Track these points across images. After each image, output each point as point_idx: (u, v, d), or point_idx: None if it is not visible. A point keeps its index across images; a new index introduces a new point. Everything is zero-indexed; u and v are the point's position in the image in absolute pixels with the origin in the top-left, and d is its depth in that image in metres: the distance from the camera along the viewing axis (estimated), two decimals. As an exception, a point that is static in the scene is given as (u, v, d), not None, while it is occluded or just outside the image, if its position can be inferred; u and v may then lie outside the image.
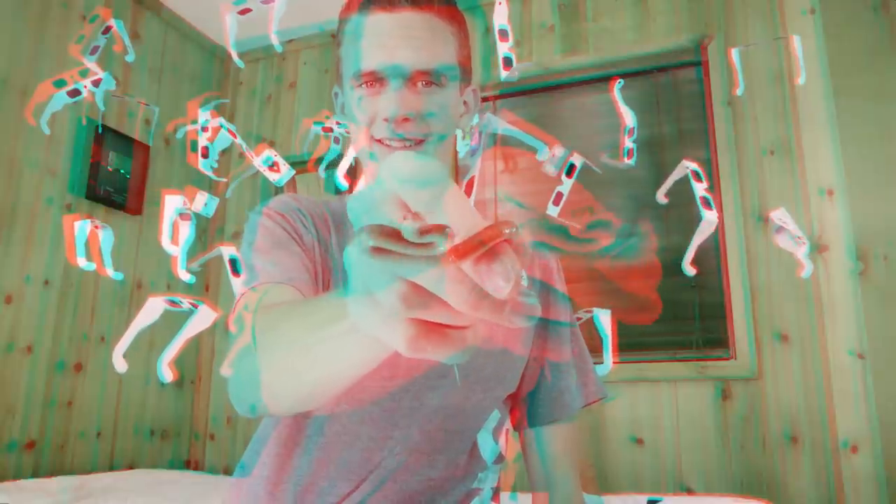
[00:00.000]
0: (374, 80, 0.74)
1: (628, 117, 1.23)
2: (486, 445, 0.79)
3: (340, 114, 0.84)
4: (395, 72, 0.73)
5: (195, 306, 0.86)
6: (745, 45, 2.19)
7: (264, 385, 0.52)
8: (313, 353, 0.43)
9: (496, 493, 0.86)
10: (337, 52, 0.81)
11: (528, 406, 0.91)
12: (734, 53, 1.39)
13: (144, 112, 2.58)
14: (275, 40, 0.96)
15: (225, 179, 2.90)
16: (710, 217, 0.93)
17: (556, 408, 0.89)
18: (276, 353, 0.50)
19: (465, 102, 0.83)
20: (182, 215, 0.95)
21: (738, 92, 1.35)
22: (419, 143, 0.75)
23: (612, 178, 2.32)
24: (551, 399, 0.89)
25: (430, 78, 0.74)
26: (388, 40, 0.73)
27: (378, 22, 0.74)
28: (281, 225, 0.77)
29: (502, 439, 0.83)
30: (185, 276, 0.94)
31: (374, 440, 0.77)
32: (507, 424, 0.88)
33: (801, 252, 1.00)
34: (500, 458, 0.83)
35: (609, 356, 0.94)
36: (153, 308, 0.87)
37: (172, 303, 0.87)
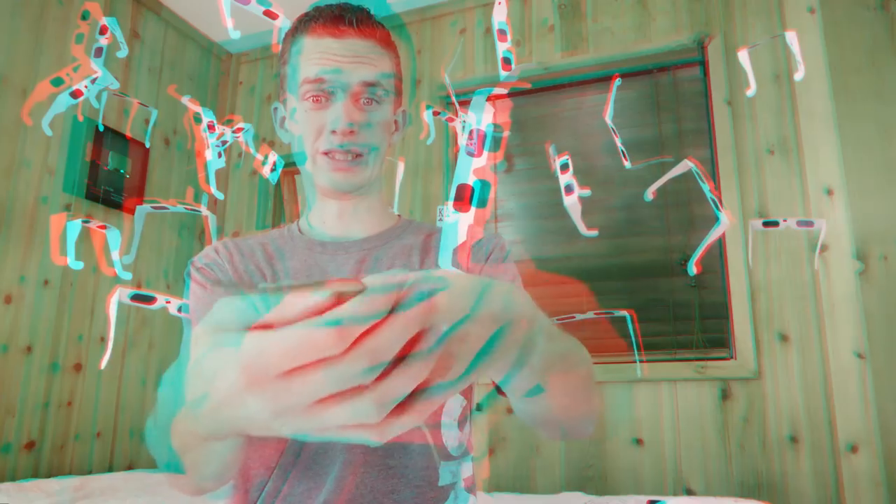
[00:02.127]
0: (320, 91, 0.80)
1: (608, 113, 1.24)
2: (450, 435, 0.78)
3: (280, 129, 0.90)
4: (339, 81, 0.80)
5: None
6: (752, 45, 2.19)
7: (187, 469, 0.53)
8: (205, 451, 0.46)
9: (471, 486, 0.85)
10: (283, 70, 0.87)
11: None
12: (743, 55, 1.38)
13: (143, 112, 2.58)
14: (230, 25, 0.98)
15: (217, 191, 2.89)
16: (724, 219, 0.93)
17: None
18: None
19: (395, 121, 0.90)
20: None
21: (750, 94, 1.34)
22: (358, 156, 0.82)
23: (612, 178, 2.32)
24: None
25: (371, 91, 0.81)
26: (334, 56, 0.80)
27: (325, 42, 0.81)
28: (200, 283, 0.81)
29: (466, 428, 0.83)
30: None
31: (324, 455, 0.77)
32: (470, 414, 0.87)
33: None
34: (464, 450, 0.82)
35: (639, 361, 0.94)
36: (116, 300, 0.89)
37: (139, 298, 0.89)
